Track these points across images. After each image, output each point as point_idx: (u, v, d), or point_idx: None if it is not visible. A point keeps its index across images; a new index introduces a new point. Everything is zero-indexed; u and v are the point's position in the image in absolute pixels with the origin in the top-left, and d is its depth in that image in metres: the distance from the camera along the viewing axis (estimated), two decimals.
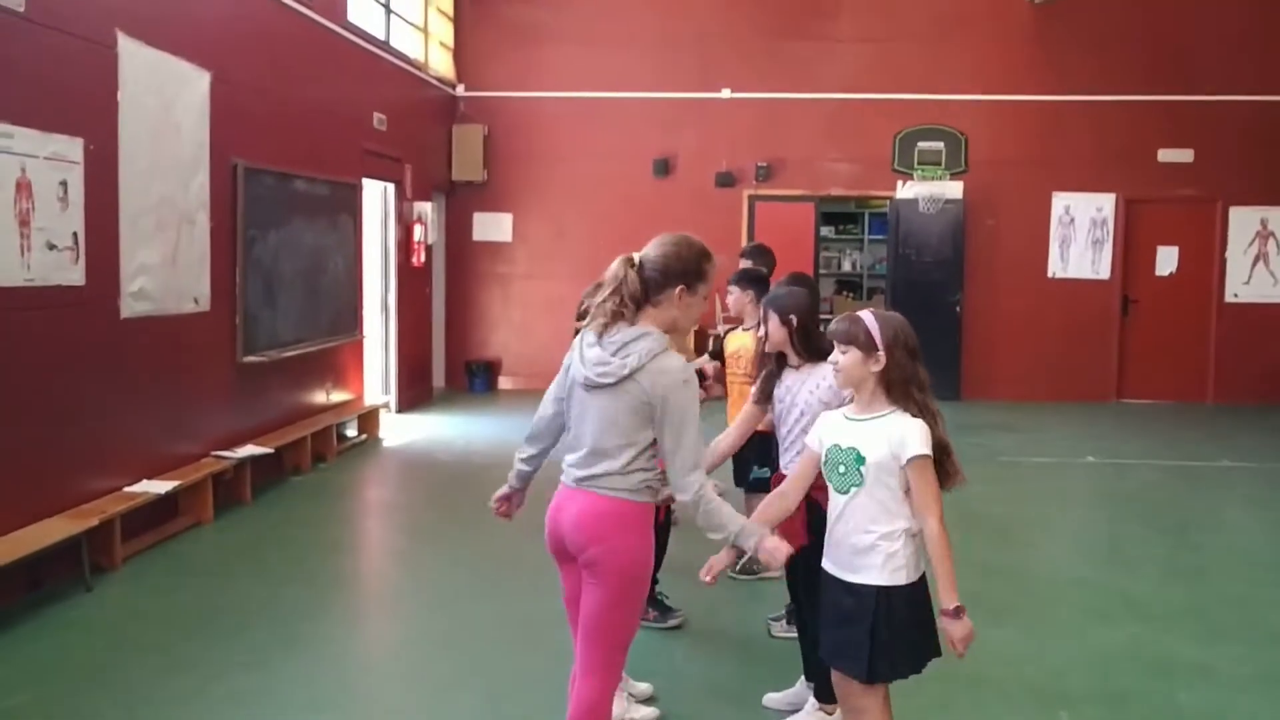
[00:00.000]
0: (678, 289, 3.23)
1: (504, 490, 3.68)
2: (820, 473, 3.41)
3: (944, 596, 3.19)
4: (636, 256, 3.29)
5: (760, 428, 4.51)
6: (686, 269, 3.24)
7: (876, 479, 3.22)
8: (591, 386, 3.23)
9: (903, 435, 3.19)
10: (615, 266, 3.27)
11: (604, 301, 3.24)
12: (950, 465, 3.28)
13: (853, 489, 3.25)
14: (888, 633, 3.21)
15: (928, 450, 3.18)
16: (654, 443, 3.20)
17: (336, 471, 9.02)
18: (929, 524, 3.18)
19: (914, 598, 3.25)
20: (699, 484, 3.15)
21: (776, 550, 3.20)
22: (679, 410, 3.14)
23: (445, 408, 12.27)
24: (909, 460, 3.17)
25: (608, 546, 3.20)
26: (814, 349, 4.21)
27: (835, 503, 3.32)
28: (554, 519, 3.33)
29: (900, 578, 3.22)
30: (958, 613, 3.17)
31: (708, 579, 3.36)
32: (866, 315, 3.29)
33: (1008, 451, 10.11)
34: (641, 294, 3.24)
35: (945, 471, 3.27)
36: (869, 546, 3.23)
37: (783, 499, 3.50)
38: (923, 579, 3.27)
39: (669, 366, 3.17)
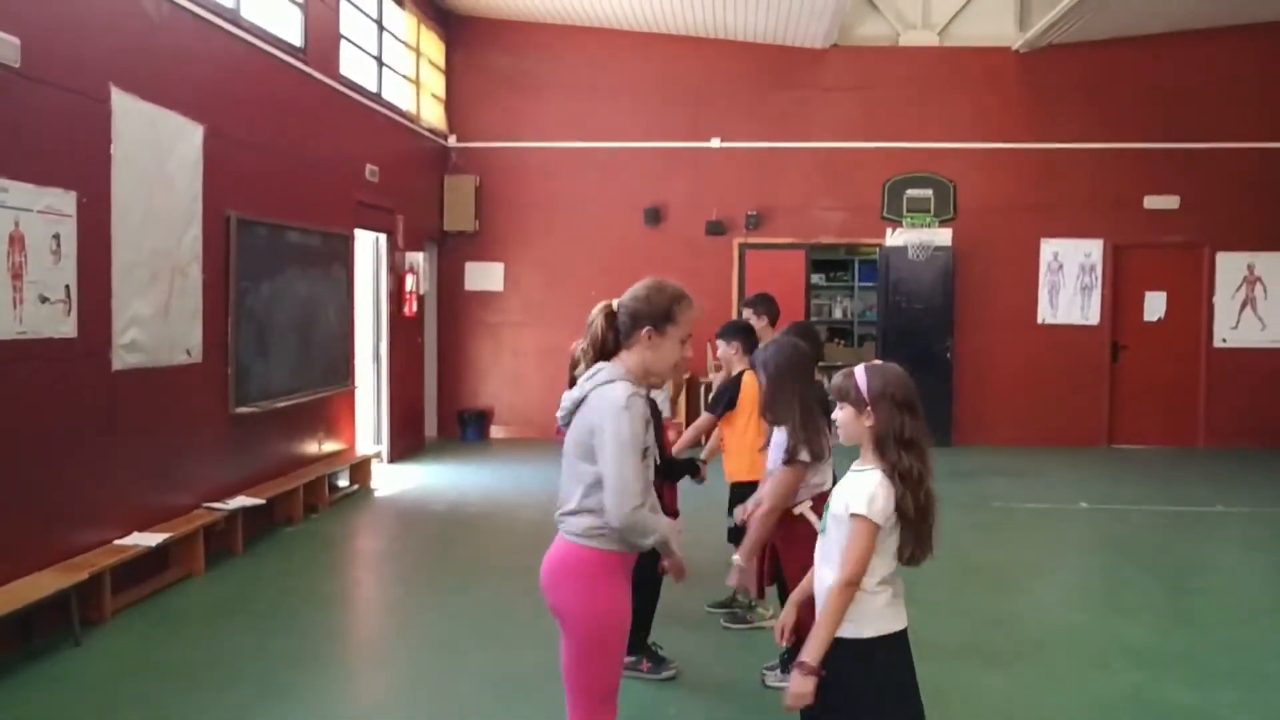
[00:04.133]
0: (644, 330, 3.25)
1: None
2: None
3: (805, 649, 3.11)
4: (614, 303, 3.35)
5: (741, 478, 4.58)
6: (653, 311, 3.26)
7: (835, 529, 3.21)
8: (561, 426, 3.31)
9: (856, 490, 3.15)
10: (592, 313, 3.37)
11: (583, 347, 3.36)
12: (919, 532, 3.14)
13: (820, 537, 3.29)
14: (835, 684, 3.15)
15: (867, 512, 3.10)
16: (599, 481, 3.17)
17: (328, 522, 8.98)
18: (837, 579, 3.11)
19: (868, 653, 3.16)
20: (628, 514, 3.09)
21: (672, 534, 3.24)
22: (614, 437, 3.11)
23: (437, 457, 12.24)
24: (850, 515, 3.13)
25: (564, 593, 3.21)
26: (775, 407, 4.30)
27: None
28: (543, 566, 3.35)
29: (847, 630, 3.17)
30: (803, 668, 3.09)
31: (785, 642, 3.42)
32: (859, 369, 3.25)
33: (1000, 497, 10.11)
34: (611, 340, 3.30)
35: (914, 538, 3.15)
36: (825, 594, 3.21)
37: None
38: (888, 638, 3.17)
39: (610, 394, 3.17)
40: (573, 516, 3.21)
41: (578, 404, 3.24)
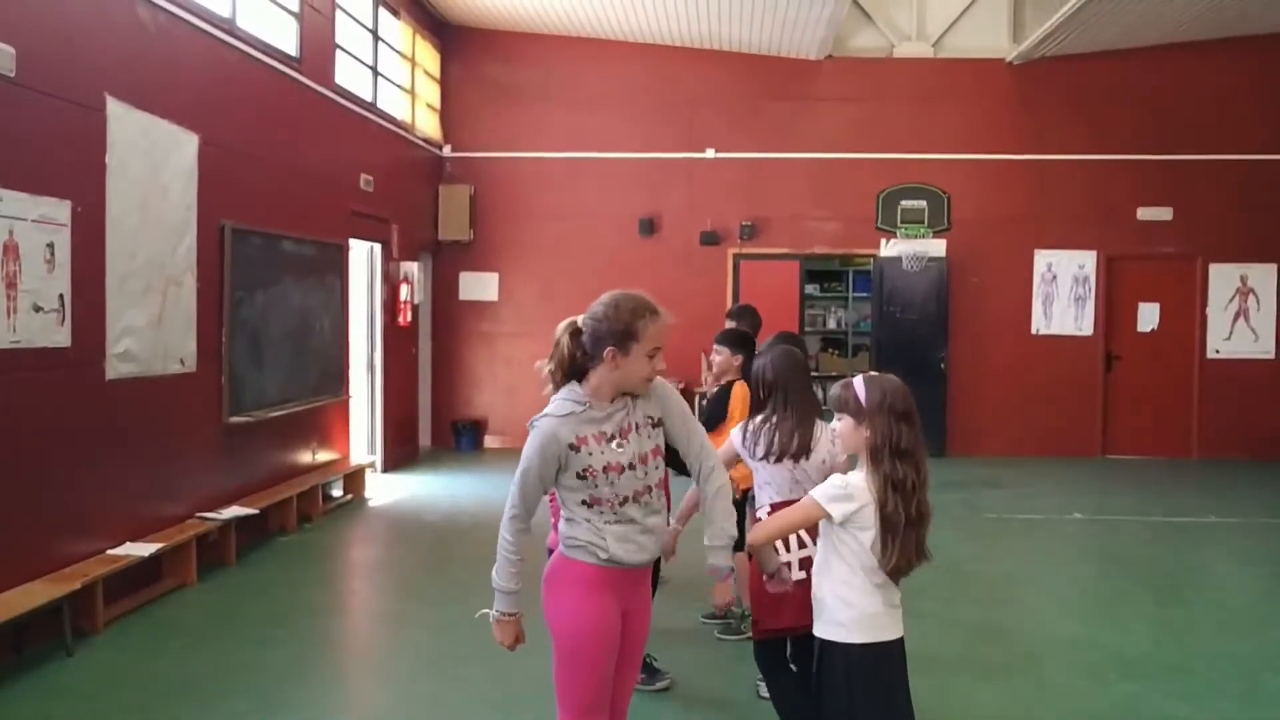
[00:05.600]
0: (607, 351, 3.20)
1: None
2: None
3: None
4: (579, 320, 3.30)
5: (746, 486, 4.53)
6: (614, 330, 3.19)
7: (822, 536, 3.33)
8: None
9: (830, 481, 3.26)
10: (558, 330, 3.33)
11: (551, 369, 3.34)
12: (907, 542, 3.15)
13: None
14: (817, 685, 3.25)
15: (826, 504, 3.21)
16: (553, 497, 3.27)
17: (322, 532, 8.96)
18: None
19: (856, 658, 3.20)
20: (502, 529, 3.24)
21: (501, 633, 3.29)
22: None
23: (431, 467, 12.23)
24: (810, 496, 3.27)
25: (544, 602, 3.29)
26: (763, 407, 4.31)
27: None
28: None
29: (838, 634, 3.22)
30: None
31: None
32: (858, 380, 3.28)
33: (994, 508, 10.11)
34: (580, 357, 3.27)
35: (901, 547, 3.16)
36: (818, 597, 3.31)
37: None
38: (878, 645, 3.20)
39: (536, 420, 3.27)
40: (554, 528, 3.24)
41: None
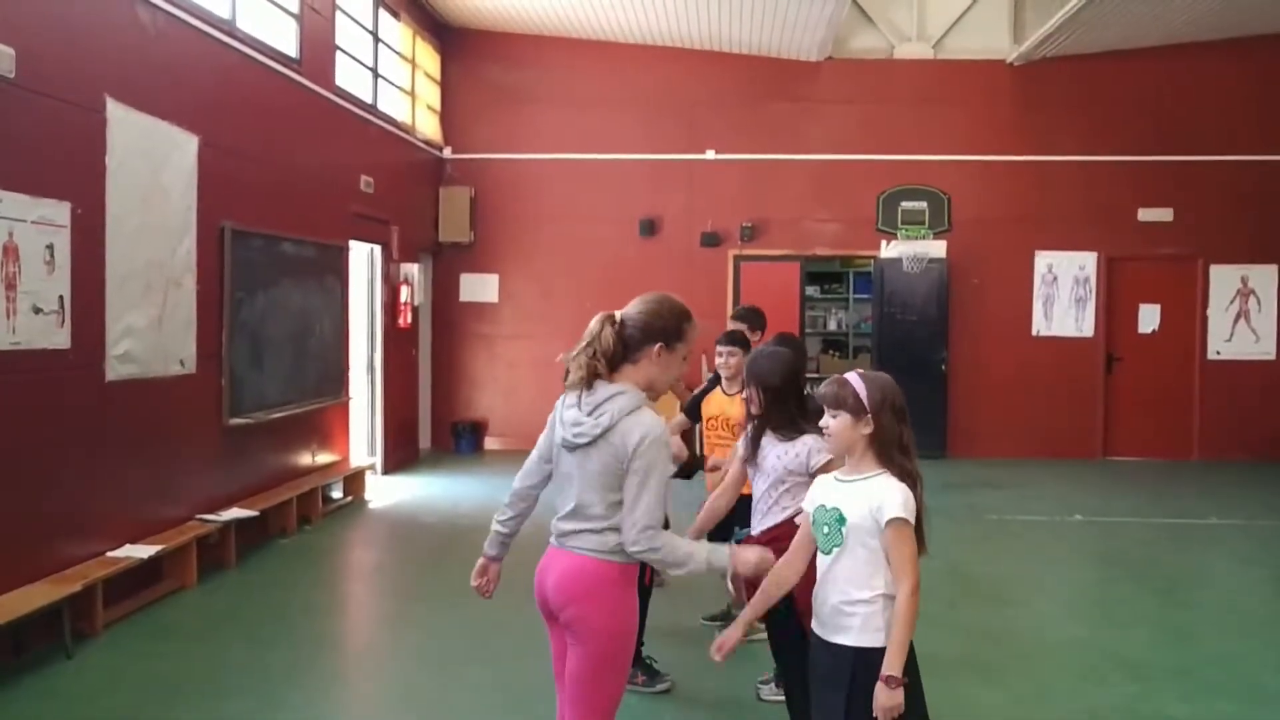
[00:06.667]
0: (656, 347, 3.24)
1: (480, 562, 3.55)
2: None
3: (888, 662, 3.11)
4: (617, 314, 3.30)
5: (744, 490, 4.49)
6: (666, 327, 3.25)
7: (856, 540, 3.20)
8: (570, 447, 3.23)
9: (883, 498, 3.16)
10: (593, 324, 3.28)
11: (578, 355, 3.25)
12: (920, 534, 3.22)
13: (834, 549, 3.24)
14: (863, 695, 3.16)
15: (906, 514, 3.14)
16: None
17: (322, 534, 8.96)
18: (901, 590, 3.14)
19: (864, 661, 3.17)
20: (648, 541, 3.12)
21: (755, 561, 3.26)
22: (645, 467, 3.12)
23: (431, 469, 12.23)
24: (887, 523, 3.14)
25: (587, 607, 3.17)
26: (785, 416, 4.19)
27: (820, 563, 3.31)
28: (540, 578, 3.29)
29: (878, 639, 3.17)
30: (892, 682, 3.09)
31: (719, 657, 3.36)
32: (853, 377, 3.27)
33: (995, 510, 10.10)
34: (619, 351, 3.24)
35: (921, 538, 3.23)
36: (848, 608, 3.21)
37: (787, 567, 3.42)
38: (911, 645, 3.21)
39: (643, 422, 3.16)
40: (600, 535, 3.17)
41: (606, 430, 3.15)
